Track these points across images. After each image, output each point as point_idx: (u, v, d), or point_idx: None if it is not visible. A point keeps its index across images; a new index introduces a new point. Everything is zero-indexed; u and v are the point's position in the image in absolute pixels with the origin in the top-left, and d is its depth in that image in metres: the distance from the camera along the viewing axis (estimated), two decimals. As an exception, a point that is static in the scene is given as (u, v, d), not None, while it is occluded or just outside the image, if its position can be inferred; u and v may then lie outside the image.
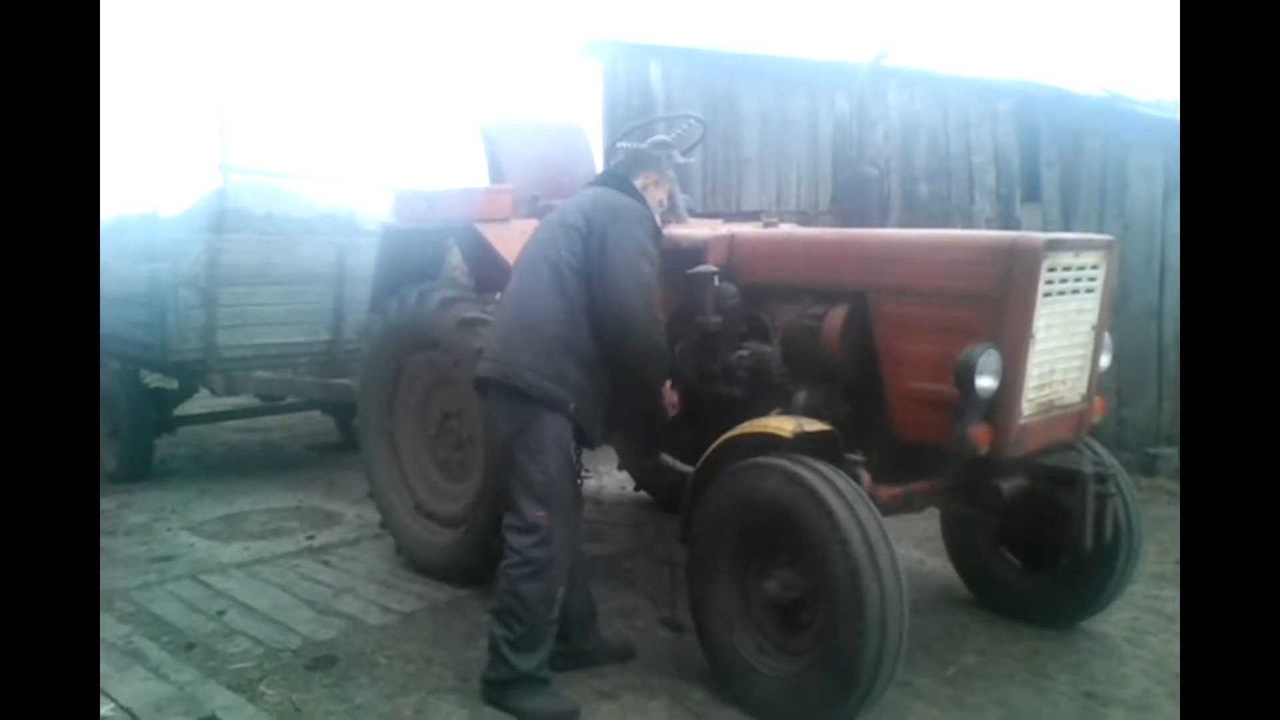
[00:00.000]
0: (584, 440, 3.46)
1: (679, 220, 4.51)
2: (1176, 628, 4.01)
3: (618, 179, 3.62)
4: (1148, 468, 6.34)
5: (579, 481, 3.46)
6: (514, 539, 3.26)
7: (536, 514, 3.24)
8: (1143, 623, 4.07)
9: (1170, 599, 4.32)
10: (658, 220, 3.65)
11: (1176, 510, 5.65)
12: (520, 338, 3.32)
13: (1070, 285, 3.29)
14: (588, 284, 3.31)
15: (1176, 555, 4.87)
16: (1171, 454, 6.43)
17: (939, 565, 4.63)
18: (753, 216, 4.76)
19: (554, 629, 3.31)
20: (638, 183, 3.62)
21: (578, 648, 3.60)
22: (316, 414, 8.08)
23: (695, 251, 3.98)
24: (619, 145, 4.81)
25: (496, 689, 3.28)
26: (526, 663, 3.23)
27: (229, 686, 3.48)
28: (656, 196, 3.69)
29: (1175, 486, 6.14)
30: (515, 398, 3.28)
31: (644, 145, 3.98)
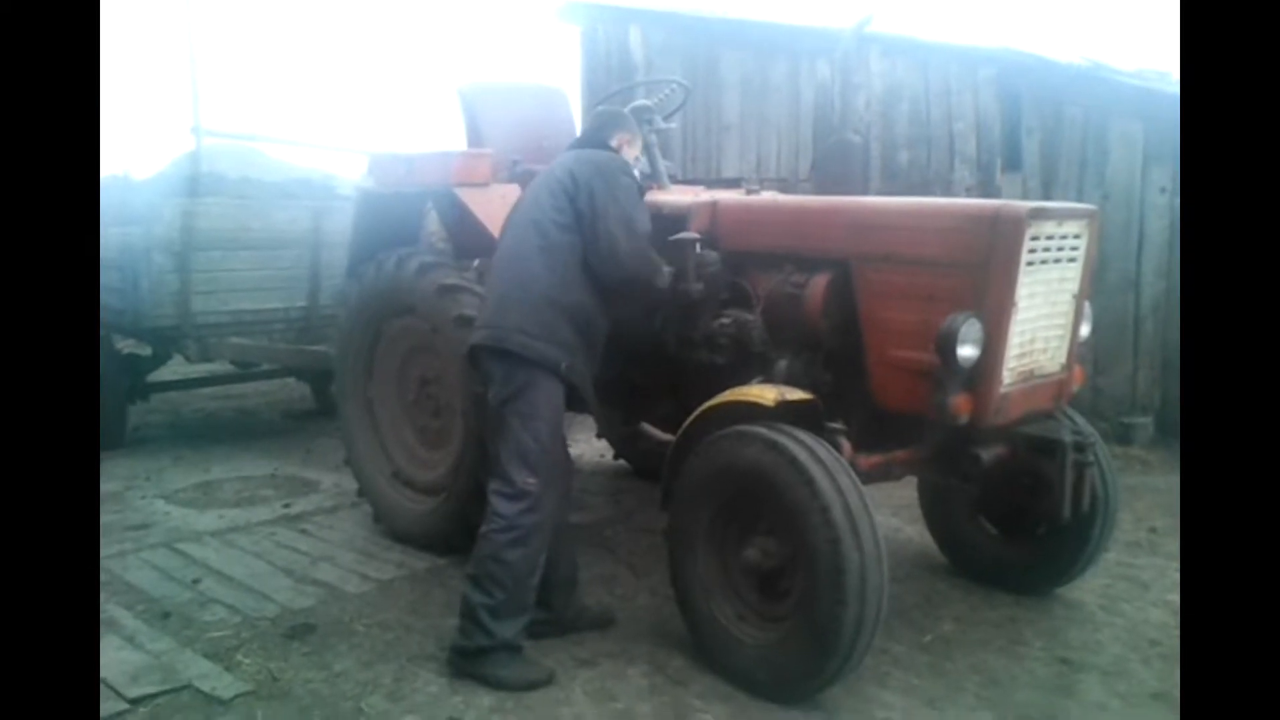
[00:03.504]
0: (578, 402, 3.46)
1: (661, 186, 4.47)
2: (1150, 595, 4.06)
3: (595, 140, 3.64)
4: (1122, 436, 6.40)
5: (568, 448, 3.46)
6: (501, 504, 3.24)
7: (527, 480, 3.22)
8: (1117, 590, 4.12)
9: (1144, 566, 4.37)
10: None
11: (1150, 479, 5.74)
12: (511, 301, 3.31)
13: (1053, 254, 3.28)
14: (580, 239, 3.33)
15: (1151, 523, 4.94)
16: (1146, 423, 6.49)
17: (916, 533, 4.66)
18: (733, 183, 4.73)
19: (534, 596, 3.30)
20: (613, 143, 3.63)
21: (559, 615, 3.59)
22: (293, 381, 8.02)
23: (677, 218, 3.94)
24: (600, 110, 4.76)
25: (470, 658, 3.25)
26: (505, 630, 3.22)
27: (205, 655, 3.45)
28: (631, 154, 3.73)
29: (1149, 455, 6.22)
30: (508, 361, 3.27)
31: (623, 109, 3.96)
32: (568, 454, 3.36)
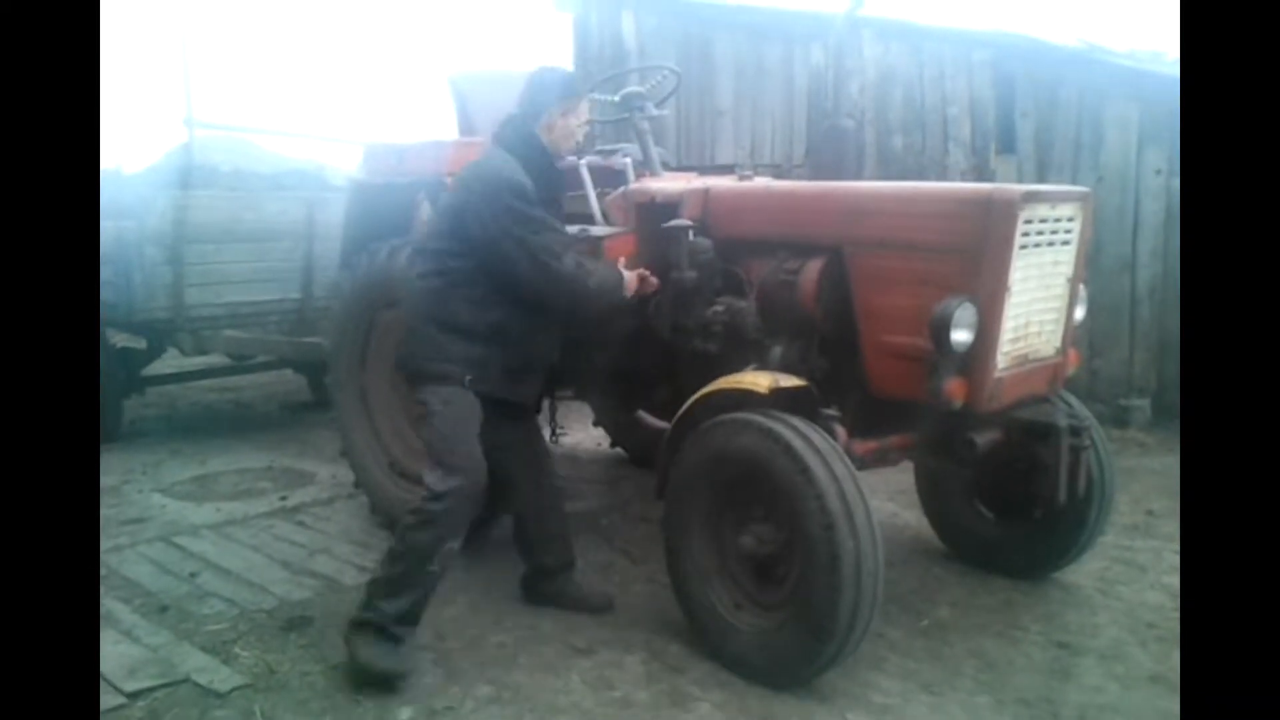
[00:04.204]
0: (581, 391, 3.50)
1: (653, 173, 4.46)
2: (1147, 578, 4.07)
3: (520, 131, 3.43)
4: (1119, 419, 6.40)
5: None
6: (418, 496, 3.32)
7: (432, 474, 3.26)
8: (1114, 573, 4.12)
9: (1141, 549, 4.38)
10: (572, 145, 3.53)
11: (1147, 461, 5.74)
12: (407, 331, 3.47)
13: (1046, 237, 3.27)
14: (482, 261, 3.30)
15: (1148, 506, 4.94)
16: (1143, 405, 6.49)
17: (913, 518, 4.66)
18: (727, 170, 4.71)
19: (427, 587, 3.27)
20: (542, 123, 3.41)
21: (558, 590, 3.74)
22: (288, 373, 8.00)
23: (670, 205, 3.92)
24: (592, 97, 4.74)
25: (353, 627, 3.25)
26: (387, 608, 3.20)
27: (203, 649, 3.45)
28: (571, 125, 3.47)
29: (1146, 438, 6.23)
30: (411, 382, 3.45)
31: (559, 68, 3.67)
32: (477, 454, 3.30)
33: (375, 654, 3.18)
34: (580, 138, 3.56)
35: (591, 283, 3.41)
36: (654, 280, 3.75)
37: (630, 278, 3.61)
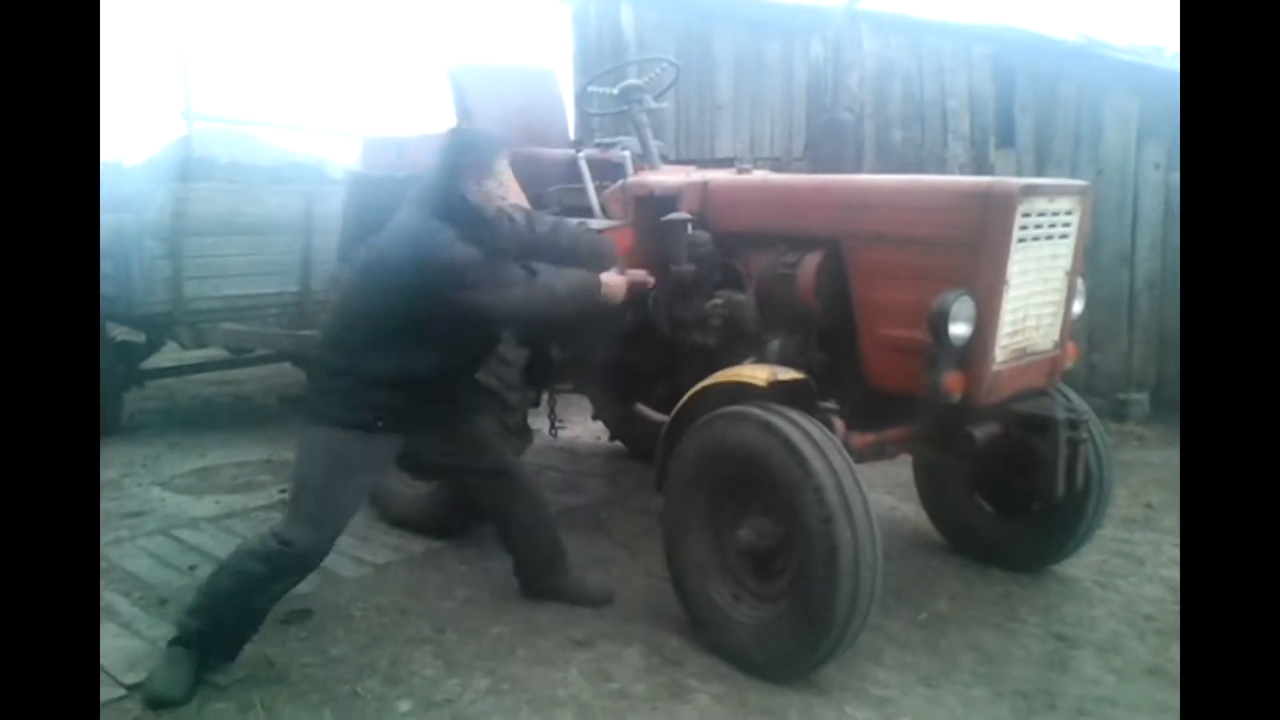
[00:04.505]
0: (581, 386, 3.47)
1: (652, 167, 4.46)
2: (1145, 570, 4.08)
3: (435, 199, 3.24)
4: (1118, 413, 6.41)
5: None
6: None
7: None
8: (1112, 566, 4.13)
9: (1139, 542, 4.39)
10: (496, 204, 3.31)
11: (1145, 454, 5.74)
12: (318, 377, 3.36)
13: (1045, 231, 3.27)
14: (388, 311, 3.15)
15: (1146, 499, 4.95)
16: (1141, 399, 6.50)
17: (911, 511, 4.67)
18: (726, 163, 4.72)
19: (232, 634, 3.18)
20: (471, 194, 3.23)
21: (557, 585, 3.72)
22: (286, 366, 8.00)
23: (668, 199, 3.93)
24: (590, 90, 4.74)
25: (172, 642, 3.16)
26: (187, 621, 3.12)
27: (202, 641, 3.46)
28: (491, 188, 3.27)
29: (1144, 431, 6.23)
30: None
31: (476, 133, 3.56)
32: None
33: (162, 678, 3.06)
34: (504, 196, 3.35)
35: (560, 287, 3.30)
36: (648, 280, 3.71)
37: (615, 283, 3.50)
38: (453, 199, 3.22)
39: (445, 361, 3.29)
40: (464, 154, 3.27)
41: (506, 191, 3.36)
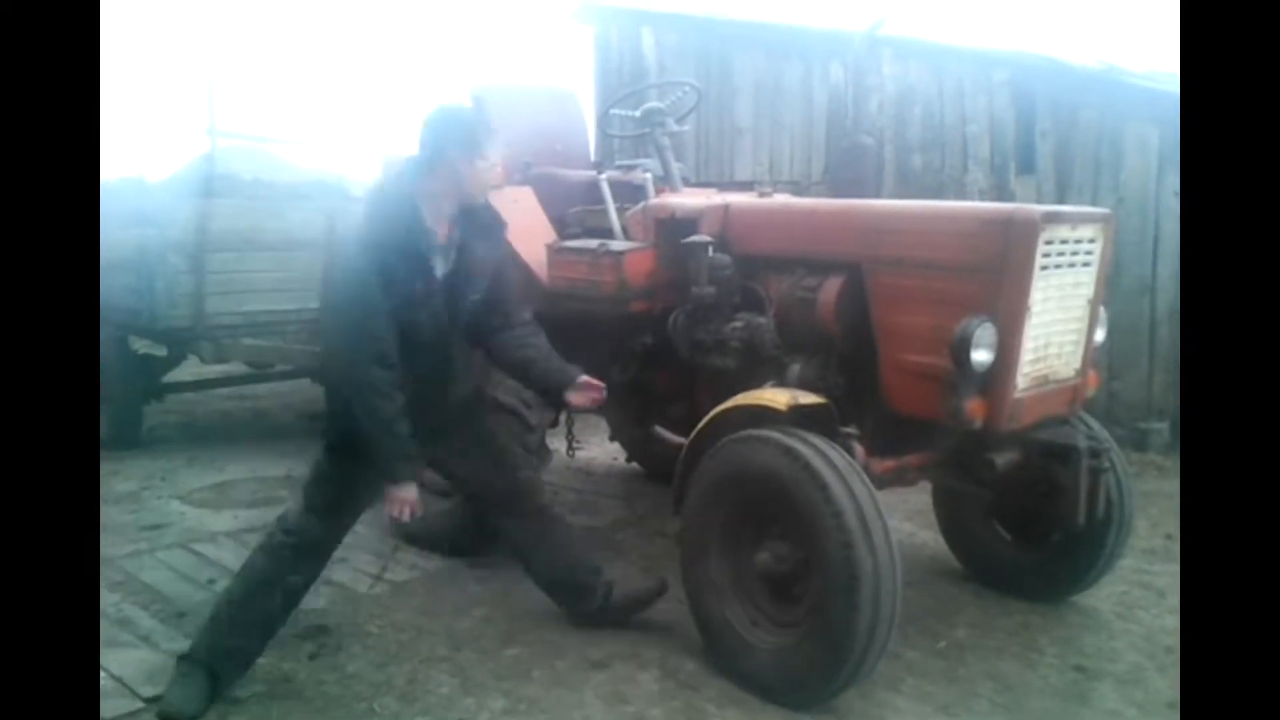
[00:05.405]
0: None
1: (673, 189, 4.47)
2: (1166, 602, 4.04)
3: (403, 176, 3.09)
4: (1138, 442, 6.36)
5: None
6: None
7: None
8: (1132, 597, 4.09)
9: (1160, 573, 4.35)
10: (483, 192, 3.14)
11: (1166, 485, 5.69)
12: None
13: (1067, 259, 3.26)
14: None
15: (1167, 530, 4.90)
16: (1162, 429, 6.45)
17: (930, 538, 4.64)
18: (746, 186, 4.73)
19: (243, 647, 3.17)
20: (439, 170, 3.00)
21: (585, 610, 3.65)
22: (306, 382, 8.03)
23: (689, 221, 3.94)
24: (612, 112, 4.78)
25: (183, 656, 3.14)
26: (200, 636, 3.14)
27: (219, 656, 3.46)
28: (480, 172, 3.05)
29: (1165, 461, 6.18)
30: None
31: (460, 109, 3.30)
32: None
33: (176, 694, 3.03)
34: (492, 183, 3.18)
35: (384, 410, 2.96)
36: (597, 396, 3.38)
37: (397, 498, 3.13)
38: (399, 196, 3.00)
39: (423, 364, 3.13)
40: (439, 135, 3.01)
41: (498, 179, 3.27)
